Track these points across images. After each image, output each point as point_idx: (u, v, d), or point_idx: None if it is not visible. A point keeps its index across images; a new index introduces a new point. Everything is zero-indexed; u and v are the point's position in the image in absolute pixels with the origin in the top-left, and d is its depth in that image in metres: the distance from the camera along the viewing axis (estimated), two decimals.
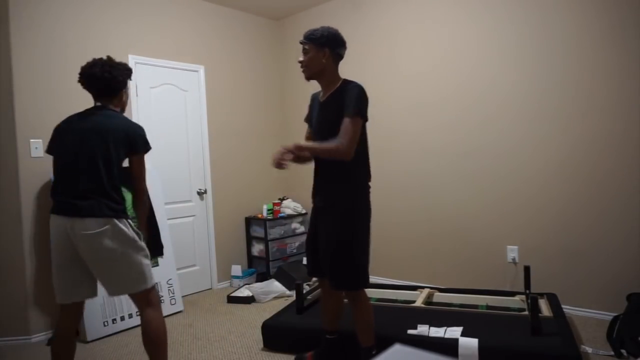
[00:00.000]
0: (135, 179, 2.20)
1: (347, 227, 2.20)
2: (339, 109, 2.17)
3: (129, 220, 2.13)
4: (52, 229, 2.07)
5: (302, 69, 2.28)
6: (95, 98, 2.20)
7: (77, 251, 2.04)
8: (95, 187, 2.03)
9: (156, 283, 2.34)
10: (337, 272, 2.22)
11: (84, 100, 3.48)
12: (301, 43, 2.25)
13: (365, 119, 2.21)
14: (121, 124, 2.13)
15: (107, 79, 2.13)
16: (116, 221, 2.04)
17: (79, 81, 2.16)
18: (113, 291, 2.11)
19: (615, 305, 2.94)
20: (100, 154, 2.06)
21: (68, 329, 2.15)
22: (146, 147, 2.19)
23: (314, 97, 2.42)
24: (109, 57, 2.21)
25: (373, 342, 2.28)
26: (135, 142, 2.15)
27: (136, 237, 2.12)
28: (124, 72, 2.20)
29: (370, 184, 2.32)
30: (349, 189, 2.24)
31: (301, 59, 2.26)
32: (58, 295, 2.10)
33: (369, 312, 2.28)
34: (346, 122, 2.12)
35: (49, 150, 2.16)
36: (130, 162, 2.17)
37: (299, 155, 2.16)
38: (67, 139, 2.10)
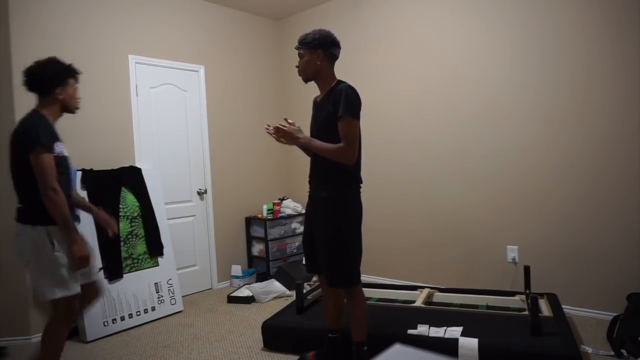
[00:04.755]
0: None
1: (340, 227, 2.24)
2: (330, 109, 2.23)
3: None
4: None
5: (299, 73, 2.36)
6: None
7: None
8: None
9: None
10: (332, 270, 2.26)
11: (84, 100, 3.48)
12: (296, 48, 2.34)
13: (358, 119, 2.23)
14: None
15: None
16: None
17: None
18: None
19: (615, 305, 2.94)
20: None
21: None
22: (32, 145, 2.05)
23: (314, 101, 2.47)
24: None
25: (365, 337, 2.33)
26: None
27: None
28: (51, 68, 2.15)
29: (360, 184, 2.36)
30: (341, 187, 2.27)
31: (297, 64, 2.35)
32: None
33: (364, 309, 2.34)
34: (341, 126, 2.18)
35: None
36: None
37: (290, 137, 2.23)
38: None
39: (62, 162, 2.17)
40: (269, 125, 2.30)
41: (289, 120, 2.29)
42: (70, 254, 2.12)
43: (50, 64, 2.17)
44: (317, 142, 2.23)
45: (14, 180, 2.14)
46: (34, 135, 2.04)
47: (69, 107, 2.26)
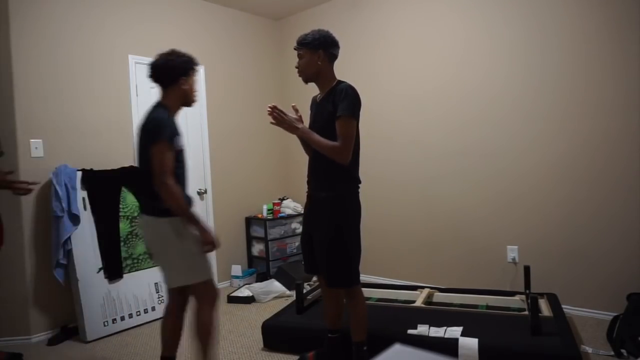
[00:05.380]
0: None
1: (339, 226, 2.24)
2: (330, 108, 2.22)
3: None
4: None
5: (299, 74, 2.34)
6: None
7: None
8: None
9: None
10: (332, 270, 2.26)
11: (84, 100, 3.49)
12: (295, 49, 2.32)
13: (356, 119, 2.24)
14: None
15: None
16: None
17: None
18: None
19: (615, 305, 2.94)
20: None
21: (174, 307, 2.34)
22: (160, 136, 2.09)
23: (313, 100, 2.46)
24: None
25: (364, 337, 2.33)
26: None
27: None
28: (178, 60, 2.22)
29: (359, 184, 2.36)
30: (340, 187, 2.27)
31: (296, 65, 2.33)
32: None
33: (363, 309, 2.34)
34: (339, 125, 2.18)
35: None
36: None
37: (288, 123, 2.22)
38: None
39: (180, 156, 2.21)
40: (271, 107, 2.22)
41: (297, 108, 2.32)
42: (197, 241, 2.16)
43: (175, 54, 2.23)
44: (315, 136, 2.22)
45: (147, 176, 2.14)
46: (157, 129, 2.09)
47: (189, 99, 2.29)
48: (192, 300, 2.27)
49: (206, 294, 2.23)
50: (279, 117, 2.23)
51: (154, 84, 2.25)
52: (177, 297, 2.32)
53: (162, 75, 2.21)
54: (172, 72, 2.21)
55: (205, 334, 2.21)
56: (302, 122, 2.30)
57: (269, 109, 2.22)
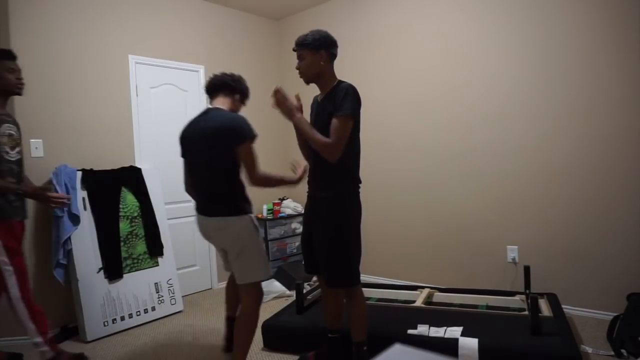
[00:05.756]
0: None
1: (339, 226, 2.23)
2: (331, 109, 2.21)
3: None
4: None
5: (300, 75, 2.32)
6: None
7: None
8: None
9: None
10: (332, 270, 2.26)
11: (84, 100, 3.49)
12: (295, 51, 2.30)
13: (356, 119, 2.22)
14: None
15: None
16: None
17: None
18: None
19: (615, 305, 2.94)
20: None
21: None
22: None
23: (314, 100, 2.45)
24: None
25: (365, 337, 2.33)
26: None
27: None
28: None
29: (359, 184, 2.36)
30: (340, 187, 2.27)
31: (297, 66, 2.31)
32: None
33: (363, 309, 2.34)
34: (335, 122, 2.16)
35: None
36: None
37: (288, 108, 2.25)
38: None
39: None
40: (276, 90, 2.24)
41: (299, 97, 2.35)
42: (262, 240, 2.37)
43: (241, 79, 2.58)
44: (309, 128, 2.22)
45: (210, 175, 2.29)
46: (244, 129, 2.25)
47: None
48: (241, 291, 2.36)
49: (259, 289, 2.36)
50: (280, 100, 2.23)
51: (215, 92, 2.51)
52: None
53: (237, 90, 2.55)
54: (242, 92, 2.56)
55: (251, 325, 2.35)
56: (301, 111, 2.30)
57: (273, 92, 2.24)
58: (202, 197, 2.37)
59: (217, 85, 2.49)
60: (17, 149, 2.59)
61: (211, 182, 2.29)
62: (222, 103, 2.45)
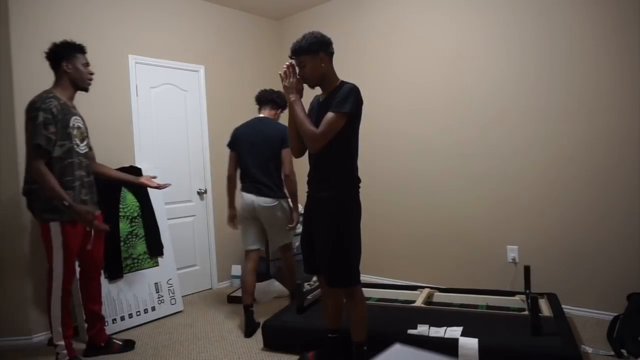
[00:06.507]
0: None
1: (340, 226, 2.23)
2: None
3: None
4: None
5: (304, 82, 2.31)
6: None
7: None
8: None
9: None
10: (332, 270, 2.26)
11: (84, 100, 3.48)
12: (292, 58, 2.28)
13: (351, 117, 2.21)
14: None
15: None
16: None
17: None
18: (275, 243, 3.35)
19: (615, 305, 2.94)
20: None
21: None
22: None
23: (315, 99, 2.44)
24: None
25: (365, 337, 2.33)
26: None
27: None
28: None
29: (359, 183, 2.36)
30: (341, 187, 2.27)
31: (300, 73, 2.29)
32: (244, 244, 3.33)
33: (364, 309, 2.34)
34: (328, 115, 2.16)
35: None
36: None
37: (291, 83, 2.26)
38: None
39: None
40: (288, 64, 2.26)
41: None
42: (291, 218, 3.27)
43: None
44: (300, 111, 2.22)
45: (265, 170, 3.16)
46: (285, 136, 3.03)
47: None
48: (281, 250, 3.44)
49: (290, 246, 3.45)
50: (288, 73, 2.25)
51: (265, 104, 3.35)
52: (255, 260, 3.29)
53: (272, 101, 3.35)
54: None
55: (293, 269, 3.48)
56: (301, 95, 2.30)
57: (287, 64, 2.26)
58: (254, 182, 3.17)
59: (267, 99, 3.32)
60: (86, 142, 2.63)
61: (265, 172, 3.15)
62: (269, 113, 3.31)
